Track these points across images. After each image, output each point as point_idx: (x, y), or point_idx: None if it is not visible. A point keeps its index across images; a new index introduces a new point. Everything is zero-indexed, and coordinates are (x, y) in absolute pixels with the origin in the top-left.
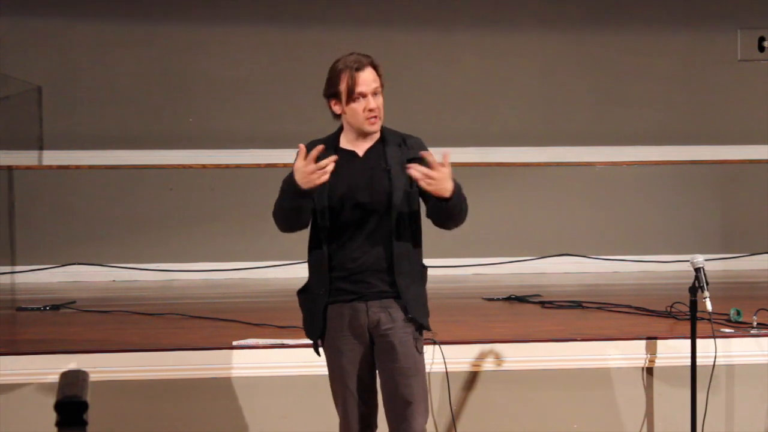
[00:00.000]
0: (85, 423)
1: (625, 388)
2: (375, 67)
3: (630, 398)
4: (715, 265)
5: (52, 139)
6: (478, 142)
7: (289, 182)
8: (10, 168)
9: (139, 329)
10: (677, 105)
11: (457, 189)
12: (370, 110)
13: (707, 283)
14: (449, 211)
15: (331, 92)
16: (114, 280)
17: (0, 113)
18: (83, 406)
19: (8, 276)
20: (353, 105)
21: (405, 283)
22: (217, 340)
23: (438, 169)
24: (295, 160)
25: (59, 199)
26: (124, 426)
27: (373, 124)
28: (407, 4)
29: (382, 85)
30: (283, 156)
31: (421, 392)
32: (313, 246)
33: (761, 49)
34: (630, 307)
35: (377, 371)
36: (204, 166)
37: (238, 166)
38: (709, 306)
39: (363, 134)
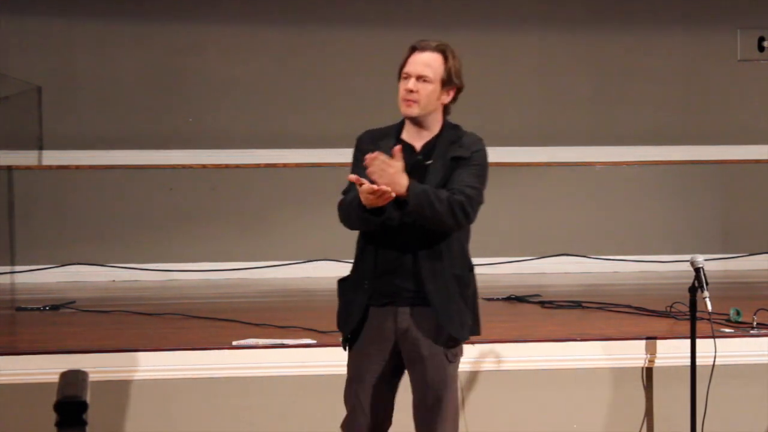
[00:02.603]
0: (84, 423)
1: (625, 388)
2: (445, 56)
3: (630, 398)
4: (714, 265)
5: (51, 139)
6: None
7: (357, 202)
8: (9, 168)
9: (139, 329)
10: (677, 105)
11: (416, 193)
12: (406, 90)
13: (707, 283)
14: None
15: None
16: (114, 280)
17: (0, 113)
18: (83, 406)
19: (8, 276)
20: (399, 84)
21: (433, 287)
22: (217, 340)
23: (390, 164)
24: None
25: (59, 199)
26: (124, 426)
27: (408, 106)
28: (407, 4)
29: (449, 79)
30: (283, 156)
31: (450, 406)
32: (364, 236)
33: (761, 49)
34: (630, 307)
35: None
36: (204, 166)
37: (238, 166)
38: (708, 306)
39: (415, 123)
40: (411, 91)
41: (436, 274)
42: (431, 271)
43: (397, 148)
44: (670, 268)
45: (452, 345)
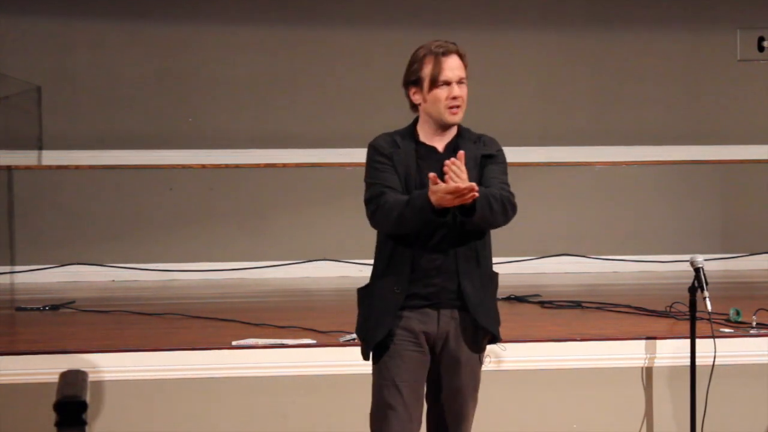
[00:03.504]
0: (84, 423)
1: (625, 388)
2: (461, 56)
3: (630, 398)
4: (714, 265)
5: (51, 139)
6: None
7: (422, 203)
8: (9, 168)
9: (138, 329)
10: (677, 105)
11: (481, 197)
12: (454, 98)
13: (707, 283)
14: (479, 221)
15: (412, 79)
16: (114, 280)
17: (0, 113)
18: (83, 406)
19: (8, 276)
20: (436, 92)
21: (471, 287)
22: (216, 340)
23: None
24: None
25: (59, 199)
26: (124, 426)
27: (454, 114)
28: (407, 4)
29: (466, 77)
30: (283, 156)
31: (473, 410)
32: (393, 240)
33: (761, 49)
34: (630, 307)
35: (432, 382)
36: (204, 166)
37: (237, 166)
38: (708, 306)
39: (442, 127)
40: (457, 98)
41: (474, 273)
42: (469, 271)
43: (461, 153)
44: (670, 268)
45: (482, 349)
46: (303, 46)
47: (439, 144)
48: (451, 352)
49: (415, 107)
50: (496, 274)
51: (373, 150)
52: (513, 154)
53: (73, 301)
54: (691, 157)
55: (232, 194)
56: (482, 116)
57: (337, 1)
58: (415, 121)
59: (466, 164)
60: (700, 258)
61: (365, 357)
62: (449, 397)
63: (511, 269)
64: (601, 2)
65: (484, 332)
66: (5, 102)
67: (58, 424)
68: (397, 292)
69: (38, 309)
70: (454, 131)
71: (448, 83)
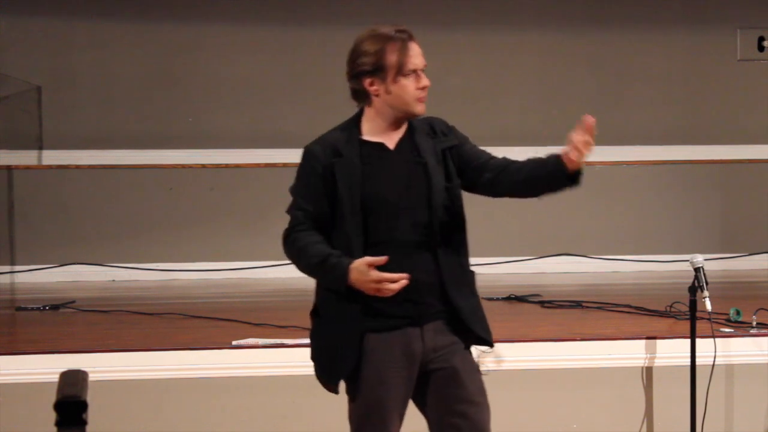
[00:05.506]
0: (84, 423)
1: (625, 388)
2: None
3: (630, 398)
4: (714, 264)
5: (51, 139)
6: (478, 142)
7: (336, 274)
8: (9, 168)
9: (138, 329)
10: (677, 105)
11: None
12: (423, 88)
13: (707, 283)
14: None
15: (370, 69)
16: (113, 280)
17: (0, 113)
18: (83, 406)
19: (8, 276)
20: (403, 81)
21: (459, 295)
22: (216, 340)
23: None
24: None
25: (59, 199)
26: (124, 426)
27: (422, 103)
28: (407, 4)
29: None
30: (283, 156)
31: (489, 421)
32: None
33: (761, 48)
34: (629, 306)
35: (428, 407)
36: (204, 166)
37: (237, 166)
38: (708, 306)
39: (398, 121)
40: (425, 87)
41: (460, 281)
42: (455, 279)
43: (592, 121)
44: (670, 268)
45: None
46: (303, 46)
47: (390, 141)
48: (443, 364)
49: (362, 100)
50: (473, 273)
51: (308, 156)
52: (513, 154)
53: (73, 301)
54: (691, 157)
55: (232, 194)
56: (483, 116)
57: (337, 1)
58: (358, 116)
59: (432, 162)
60: (700, 258)
61: (335, 390)
62: (457, 413)
63: (511, 269)
64: (600, 2)
65: (479, 338)
66: (5, 102)
67: (58, 424)
68: (354, 315)
69: (38, 309)
70: (406, 125)
71: (415, 71)
